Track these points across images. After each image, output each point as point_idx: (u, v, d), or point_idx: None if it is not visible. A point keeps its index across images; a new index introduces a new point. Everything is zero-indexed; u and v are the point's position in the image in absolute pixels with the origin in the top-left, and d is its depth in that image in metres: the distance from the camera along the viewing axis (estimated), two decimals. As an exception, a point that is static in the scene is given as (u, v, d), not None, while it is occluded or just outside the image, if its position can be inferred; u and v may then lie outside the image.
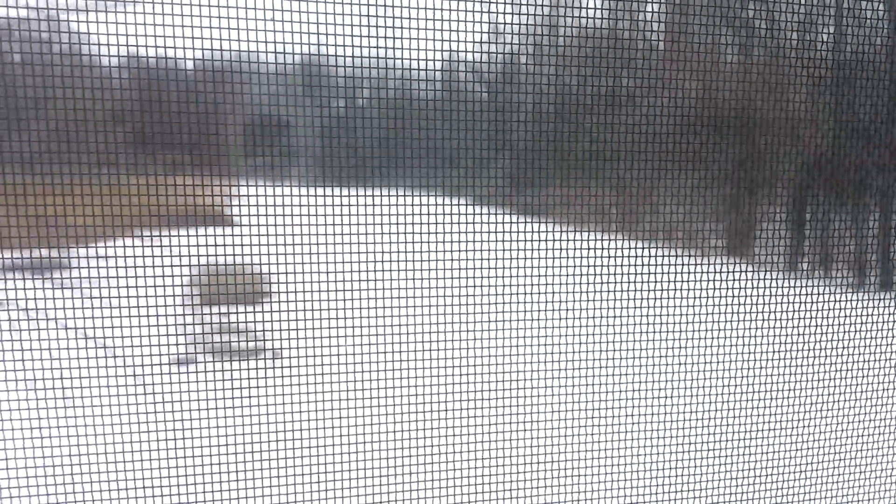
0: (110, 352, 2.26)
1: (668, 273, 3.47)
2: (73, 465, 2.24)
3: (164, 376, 2.45)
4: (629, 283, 3.41)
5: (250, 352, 2.76)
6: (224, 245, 2.50)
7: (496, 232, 2.99)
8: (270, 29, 2.58)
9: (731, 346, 3.59)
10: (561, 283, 3.24)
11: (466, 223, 2.96)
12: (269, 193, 2.68)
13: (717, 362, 3.44)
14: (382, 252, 2.77)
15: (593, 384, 3.26)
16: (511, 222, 3.13)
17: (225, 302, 2.58)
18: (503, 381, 3.15)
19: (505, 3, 2.75)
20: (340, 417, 2.62)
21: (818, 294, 3.51)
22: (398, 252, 2.77)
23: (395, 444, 2.72)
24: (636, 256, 3.41)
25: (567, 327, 3.23)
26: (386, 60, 2.87)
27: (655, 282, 3.48)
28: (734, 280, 3.78)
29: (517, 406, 3.13)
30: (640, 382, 3.49)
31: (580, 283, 3.37)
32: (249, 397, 2.54)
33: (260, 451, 2.49)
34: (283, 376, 2.57)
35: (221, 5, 2.28)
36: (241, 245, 2.54)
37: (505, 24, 2.74)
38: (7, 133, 2.04)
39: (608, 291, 3.24)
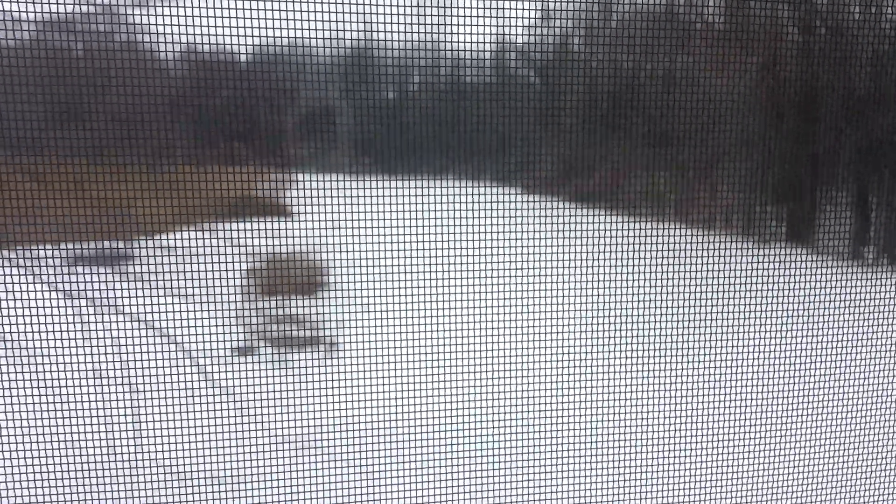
0: (174, 341, 2.29)
1: (726, 261, 3.39)
2: (137, 453, 2.28)
3: (225, 365, 2.48)
4: (685, 271, 3.34)
5: (308, 341, 2.77)
6: (282, 236, 2.52)
7: (550, 221, 2.96)
8: (321, 18, 2.58)
9: (792, 338, 3.49)
10: (616, 272, 3.19)
11: (518, 211, 2.93)
12: (325, 184, 2.69)
13: (777, 356, 3.34)
14: (436, 242, 2.75)
15: (651, 374, 3.20)
16: (564, 210, 3.09)
17: (283, 292, 2.60)
18: (565, 372, 3.11)
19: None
20: (397, 408, 2.61)
21: (883, 284, 3.39)
22: (451, 242, 2.75)
23: (447, 437, 2.70)
24: (692, 244, 3.34)
25: (621, 317, 3.17)
26: (435, 47, 2.86)
27: (711, 270, 3.40)
28: (794, 268, 3.67)
29: (576, 402, 3.09)
30: (696, 374, 3.41)
31: (635, 272, 3.31)
32: (306, 388, 2.55)
33: (316, 441, 2.50)
34: (340, 366, 2.57)
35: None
36: (299, 236, 2.55)
37: (556, 5, 2.71)
38: (72, 124, 2.08)
39: (663, 280, 3.17)
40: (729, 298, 3.34)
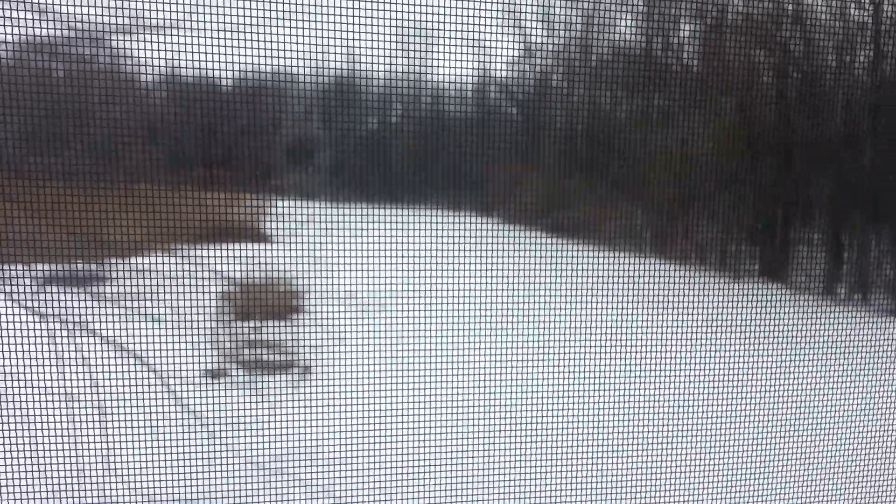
0: (144, 363, 2.29)
1: (700, 295, 3.43)
2: (104, 475, 2.27)
3: (196, 388, 2.48)
4: (660, 304, 3.37)
5: (281, 365, 2.78)
6: (257, 260, 2.53)
7: (527, 250, 2.99)
8: (305, 48, 2.61)
9: (763, 371, 3.53)
10: (592, 303, 3.22)
11: (497, 241, 2.96)
12: (302, 209, 2.71)
13: (749, 388, 3.38)
14: (412, 269, 2.77)
15: (619, 405, 3.22)
16: (542, 240, 3.13)
17: (257, 316, 2.61)
18: (533, 397, 3.13)
19: (538, 23, 2.77)
20: (368, 433, 2.62)
21: (856, 320, 3.44)
22: (428, 269, 2.77)
23: (421, 461, 2.71)
24: (668, 278, 3.38)
25: (598, 346, 3.20)
26: (419, 78, 2.90)
27: (687, 303, 3.44)
28: (769, 304, 3.73)
29: (551, 426, 3.10)
30: (671, 406, 3.44)
31: (611, 303, 3.34)
32: (279, 411, 2.55)
33: (286, 466, 2.50)
34: (312, 391, 2.58)
35: (257, 25, 2.32)
36: (275, 260, 2.57)
37: (538, 42, 2.76)
38: (49, 147, 2.10)
39: (637, 312, 3.21)
40: (703, 331, 3.38)
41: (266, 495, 2.45)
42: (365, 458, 2.55)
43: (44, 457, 2.22)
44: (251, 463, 2.38)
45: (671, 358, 3.29)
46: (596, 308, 3.27)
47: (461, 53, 2.84)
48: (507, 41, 2.87)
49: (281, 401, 2.56)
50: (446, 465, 2.70)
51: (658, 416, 3.37)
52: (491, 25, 2.80)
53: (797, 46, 2.85)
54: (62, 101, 2.10)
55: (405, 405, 2.68)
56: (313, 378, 2.62)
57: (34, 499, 2.14)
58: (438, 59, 2.93)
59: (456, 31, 2.75)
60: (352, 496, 2.54)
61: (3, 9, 1.87)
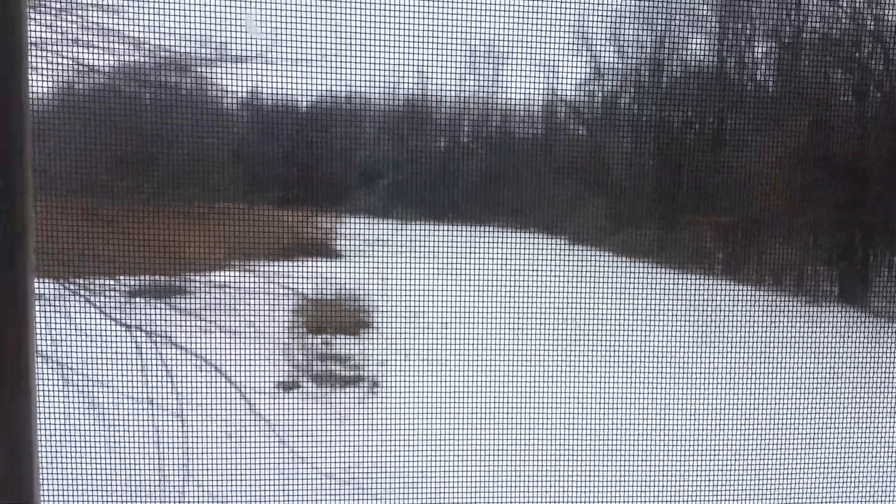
0: (222, 373, 2.40)
1: (776, 318, 3.34)
2: (184, 478, 2.38)
3: (270, 398, 2.57)
4: (733, 327, 3.30)
5: (350, 379, 2.85)
6: (329, 276, 2.61)
7: (593, 270, 2.98)
8: (378, 72, 2.69)
9: (843, 399, 3.40)
10: (661, 326, 3.18)
11: (563, 260, 2.96)
12: (372, 227, 2.78)
13: (827, 415, 3.27)
14: (479, 286, 2.81)
15: (692, 430, 3.16)
16: (609, 261, 3.12)
17: (328, 330, 2.69)
18: (601, 419, 3.10)
19: (608, 44, 2.78)
20: (433, 447, 2.65)
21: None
22: (493, 287, 2.80)
23: (485, 475, 2.73)
24: (741, 301, 3.30)
25: (668, 370, 3.16)
26: (488, 99, 2.94)
27: (761, 328, 3.36)
28: (847, 329, 3.60)
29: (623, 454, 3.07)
30: (747, 432, 3.35)
31: (682, 326, 3.29)
32: (348, 423, 2.62)
33: (353, 474, 2.56)
34: (380, 404, 2.64)
35: (332, 52, 2.41)
36: (345, 276, 2.64)
37: (607, 63, 2.77)
38: (136, 169, 2.23)
39: (709, 335, 3.15)
40: (779, 357, 3.29)
41: (331, 502, 2.51)
42: (429, 471, 2.59)
43: (128, 458, 2.34)
44: (320, 472, 2.44)
45: (745, 384, 3.22)
46: (665, 331, 3.23)
47: (530, 75, 2.87)
48: (577, 62, 2.89)
49: (350, 413, 2.63)
50: (509, 478, 2.71)
51: (734, 442, 3.29)
52: (560, 47, 2.82)
53: (877, 65, 2.77)
54: (150, 125, 2.23)
55: (470, 421, 2.71)
56: (381, 392, 2.68)
57: (117, 499, 2.26)
58: (508, 81, 2.96)
59: (525, 53, 2.79)
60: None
61: (98, 39, 2.01)
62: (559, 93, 2.87)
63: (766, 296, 3.42)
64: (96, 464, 2.13)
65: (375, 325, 2.73)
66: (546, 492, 2.78)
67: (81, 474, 2.12)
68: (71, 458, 2.09)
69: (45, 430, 2.13)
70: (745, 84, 2.81)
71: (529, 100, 2.98)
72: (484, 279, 2.78)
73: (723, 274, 3.29)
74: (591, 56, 2.72)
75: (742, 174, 2.86)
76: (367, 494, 2.52)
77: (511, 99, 3.09)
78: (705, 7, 2.60)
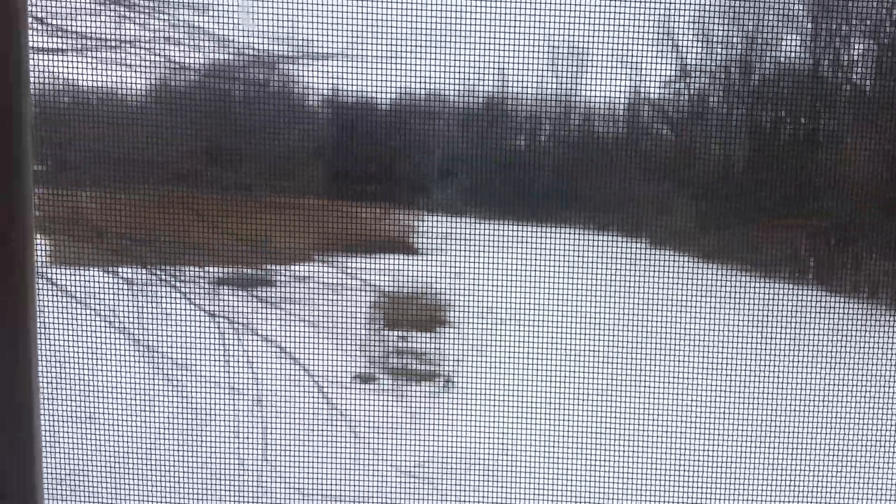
0: (299, 363, 2.47)
1: (872, 334, 3.17)
2: (260, 463, 2.46)
3: (346, 390, 2.62)
4: (824, 340, 3.15)
5: (425, 375, 2.88)
6: (406, 272, 2.65)
7: (675, 274, 2.90)
8: (458, 70, 2.70)
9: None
10: (745, 335, 3.07)
11: (643, 263, 2.90)
12: (452, 225, 2.80)
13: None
14: (555, 287, 2.78)
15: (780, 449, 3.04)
16: (692, 265, 3.03)
17: (405, 326, 2.72)
18: (678, 431, 3.02)
19: (695, 42, 2.71)
20: (505, 446, 2.65)
21: None
22: (570, 287, 2.77)
23: (560, 477, 2.70)
24: (833, 312, 3.15)
25: (753, 385, 3.04)
26: (569, 98, 2.91)
27: (856, 343, 3.19)
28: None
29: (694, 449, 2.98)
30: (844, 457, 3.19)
31: (771, 337, 3.17)
32: (421, 418, 2.64)
33: (425, 469, 2.58)
34: (454, 401, 2.65)
35: (412, 50, 2.44)
36: (423, 272, 2.67)
37: (694, 61, 2.69)
38: (224, 162, 2.32)
39: (799, 349, 3.01)
40: (877, 375, 3.12)
41: (403, 497, 2.54)
42: (500, 470, 2.59)
43: (206, 441, 2.43)
44: (392, 465, 2.48)
45: (838, 402, 3.06)
46: (752, 341, 3.11)
47: (613, 73, 2.82)
48: (663, 61, 2.82)
49: (423, 408, 2.65)
50: (584, 481, 2.67)
51: (830, 464, 3.14)
52: (645, 45, 2.76)
53: None
54: (238, 120, 2.32)
55: (544, 421, 2.69)
56: (455, 389, 2.70)
57: (193, 478, 2.35)
58: (590, 80, 2.92)
59: (609, 51, 2.74)
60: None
61: (188, 38, 2.10)
62: (643, 92, 2.81)
63: (861, 308, 3.25)
64: (178, 443, 2.23)
65: (452, 322, 2.74)
66: (622, 494, 2.72)
67: (166, 451, 2.22)
68: (155, 435, 2.19)
69: (129, 407, 2.25)
70: (841, 84, 2.68)
71: (612, 99, 2.93)
72: (561, 279, 2.76)
73: (814, 282, 3.14)
74: (677, 54, 2.65)
75: (837, 177, 2.73)
76: (438, 489, 2.53)
77: (593, 98, 3.05)
78: (798, 5, 2.49)
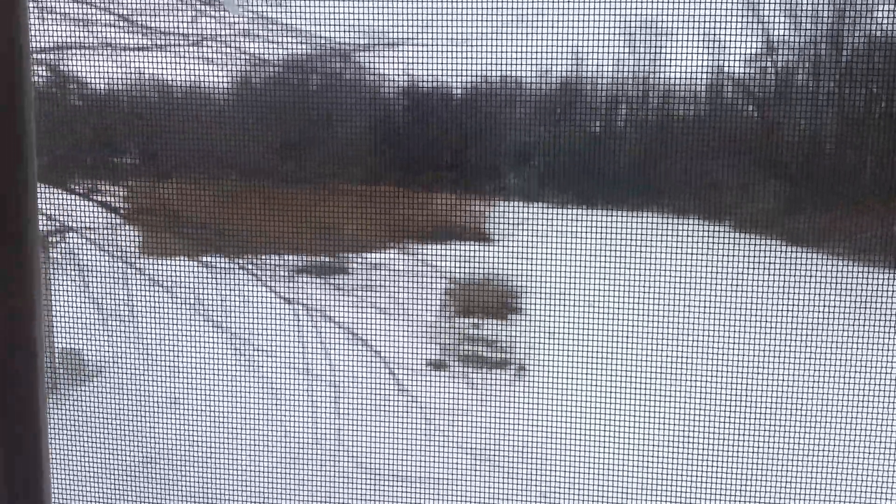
0: (373, 350, 2.51)
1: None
2: (334, 445, 2.51)
3: (418, 376, 2.65)
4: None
5: (498, 363, 2.88)
6: (479, 259, 2.64)
7: (761, 260, 2.79)
8: (532, 52, 2.66)
9: None
10: (834, 324, 2.92)
11: (727, 249, 2.80)
12: (525, 212, 2.77)
13: None
14: (632, 273, 2.72)
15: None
16: (779, 250, 2.90)
17: (478, 314, 2.72)
18: (757, 423, 2.91)
19: (781, 16, 2.57)
20: (577, 434, 2.62)
21: None
22: (649, 274, 2.70)
23: (628, 473, 2.65)
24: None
25: (844, 377, 2.90)
26: (647, 78, 2.82)
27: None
28: None
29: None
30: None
31: (860, 326, 3.01)
32: (494, 405, 2.64)
33: (496, 455, 2.58)
34: (526, 389, 2.64)
35: (485, 34, 2.42)
36: (495, 260, 2.66)
37: (780, 37, 2.56)
38: (301, 152, 2.36)
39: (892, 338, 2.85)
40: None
41: (474, 482, 2.55)
42: (570, 458, 2.56)
43: (282, 421, 2.51)
44: (464, 450, 2.49)
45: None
46: (848, 333, 2.96)
47: (694, 51, 2.72)
48: (746, 36, 2.70)
49: (495, 396, 2.65)
50: (659, 467, 2.62)
51: None
52: (728, 21, 2.66)
53: None
54: (314, 111, 2.36)
55: (616, 411, 2.65)
56: (527, 377, 2.68)
57: (270, 457, 2.43)
58: (669, 58, 2.83)
59: (689, 28, 2.65)
60: (556, 493, 2.56)
61: (264, 32, 2.15)
62: (726, 70, 2.70)
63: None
64: (257, 425, 2.31)
65: (524, 310, 2.72)
66: (694, 489, 2.66)
67: (244, 431, 2.30)
68: (235, 415, 2.28)
69: (213, 389, 2.34)
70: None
71: (692, 78, 2.83)
72: (637, 267, 2.70)
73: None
74: (762, 29, 2.53)
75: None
76: (509, 476, 2.53)
77: (672, 77, 2.95)
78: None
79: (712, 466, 2.73)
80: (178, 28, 2.40)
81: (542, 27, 2.61)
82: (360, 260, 2.70)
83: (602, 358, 2.61)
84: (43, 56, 2.24)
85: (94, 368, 2.58)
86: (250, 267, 2.50)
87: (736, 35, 2.67)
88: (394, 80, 2.48)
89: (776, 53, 2.67)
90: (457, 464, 2.45)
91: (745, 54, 2.79)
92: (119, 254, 2.45)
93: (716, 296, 2.87)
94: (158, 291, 2.45)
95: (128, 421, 2.50)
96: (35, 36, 2.04)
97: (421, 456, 2.43)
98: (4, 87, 0.45)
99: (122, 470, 2.46)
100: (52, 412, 2.73)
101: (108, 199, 2.48)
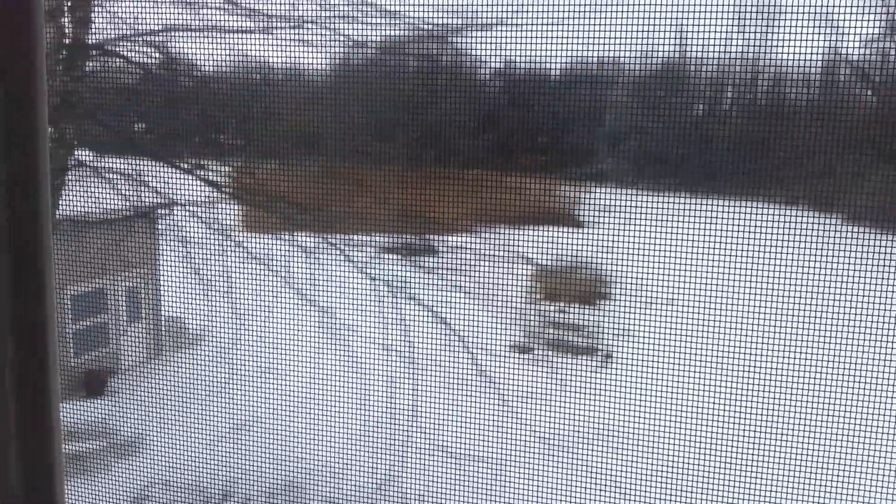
0: (454, 330, 2.52)
1: None
2: (410, 422, 2.56)
3: (502, 360, 2.65)
4: None
5: (584, 349, 2.84)
6: (569, 245, 2.60)
7: (875, 254, 2.61)
8: (634, 34, 2.58)
9: None
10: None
11: (836, 242, 2.63)
12: (618, 198, 2.71)
13: None
14: (732, 264, 2.60)
15: None
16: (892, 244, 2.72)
17: (565, 299, 2.69)
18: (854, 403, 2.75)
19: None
20: (663, 428, 2.55)
21: None
22: (750, 265, 2.59)
23: (712, 465, 2.56)
24: None
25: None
26: (756, 61, 2.68)
27: None
28: None
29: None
30: None
31: None
32: (577, 392, 2.61)
33: (574, 444, 2.55)
34: (612, 378, 2.59)
35: (583, 15, 2.36)
36: (586, 246, 2.61)
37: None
38: (390, 134, 2.39)
39: None
40: None
41: (548, 469, 2.54)
42: (650, 450, 2.51)
43: (358, 393, 2.57)
44: (540, 437, 2.48)
45: None
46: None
47: (808, 32, 2.57)
48: (865, 16, 2.52)
49: (580, 383, 2.61)
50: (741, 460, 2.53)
51: None
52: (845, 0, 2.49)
53: None
54: (406, 95, 2.38)
55: (702, 403, 2.56)
56: (614, 365, 2.63)
57: (341, 427, 2.50)
58: (780, 39, 2.69)
59: (803, 7, 2.50)
60: (635, 484, 2.51)
61: (358, 15, 2.18)
62: (842, 52, 2.53)
63: None
64: (336, 394, 2.38)
65: (613, 297, 2.67)
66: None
67: (322, 398, 2.38)
68: (316, 384, 2.36)
69: (299, 361, 2.42)
70: None
71: (805, 61, 2.67)
72: (737, 257, 2.59)
73: None
74: (884, 8, 2.35)
75: None
76: (585, 465, 2.50)
77: (784, 60, 2.80)
78: None
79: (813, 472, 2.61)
80: (278, 10, 2.47)
81: (645, 4, 2.52)
82: (448, 242, 2.72)
83: (690, 350, 2.53)
84: (151, 38, 2.36)
85: (194, 335, 2.73)
86: (340, 245, 2.57)
87: (853, 14, 2.50)
88: (491, 63, 2.46)
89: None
90: (530, 447, 2.45)
91: (863, 35, 2.60)
92: (218, 228, 2.57)
93: (820, 290, 2.72)
94: (255, 265, 2.56)
95: (223, 387, 2.63)
96: (140, 19, 2.16)
97: (494, 438, 2.44)
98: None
99: (217, 433, 2.61)
100: (155, 374, 2.91)
101: (211, 175, 2.60)
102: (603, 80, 2.61)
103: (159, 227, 2.71)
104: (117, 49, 2.45)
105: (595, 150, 2.77)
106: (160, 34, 2.34)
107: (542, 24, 2.40)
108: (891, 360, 2.59)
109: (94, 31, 2.39)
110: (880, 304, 2.53)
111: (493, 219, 2.67)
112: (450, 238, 2.65)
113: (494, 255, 2.60)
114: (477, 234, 2.67)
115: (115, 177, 2.49)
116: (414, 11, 2.40)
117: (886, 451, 2.53)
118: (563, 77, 2.62)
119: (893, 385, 2.62)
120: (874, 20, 2.42)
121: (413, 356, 2.53)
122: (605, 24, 2.52)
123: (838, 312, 2.57)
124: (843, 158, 2.69)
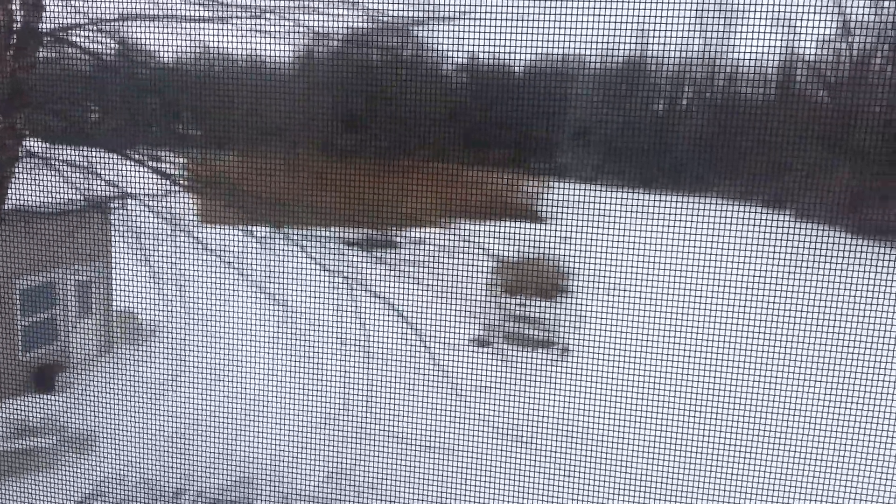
0: (409, 323, 2.52)
1: None
2: (364, 412, 2.56)
3: (460, 353, 2.66)
4: None
5: (542, 343, 2.86)
6: (528, 239, 2.62)
7: (821, 251, 2.68)
8: (595, 31, 2.58)
9: None
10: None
11: (786, 238, 2.70)
12: (579, 193, 2.72)
13: None
14: (685, 260, 2.65)
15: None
16: (843, 242, 2.78)
17: (524, 293, 2.70)
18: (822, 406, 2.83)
19: (861, -3, 2.43)
20: (618, 419, 2.60)
21: None
22: (700, 261, 2.63)
23: (673, 452, 2.62)
24: None
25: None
26: (714, 60, 2.72)
27: None
28: None
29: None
30: None
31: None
32: (533, 385, 2.63)
33: (530, 434, 2.58)
34: (569, 371, 2.62)
35: (547, 11, 2.35)
36: (545, 241, 2.63)
37: (858, 18, 2.41)
38: (355, 126, 2.36)
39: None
40: None
41: (501, 459, 2.56)
42: (609, 441, 2.55)
43: (313, 386, 2.55)
44: (496, 429, 2.50)
45: None
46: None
47: (765, 32, 2.60)
48: (820, 17, 2.56)
49: (536, 376, 2.64)
50: (701, 456, 2.58)
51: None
52: (802, 0, 2.53)
53: None
54: (371, 85, 2.34)
55: (659, 396, 2.61)
56: (571, 358, 2.66)
57: (298, 415, 2.48)
58: (738, 39, 2.73)
59: (761, 7, 2.53)
60: (588, 473, 2.55)
61: (327, 6, 2.14)
62: (798, 52, 2.57)
63: None
64: (289, 383, 2.36)
65: (572, 291, 2.69)
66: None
67: (279, 387, 2.35)
68: (271, 372, 2.33)
69: (255, 352, 2.40)
70: None
71: (762, 60, 2.72)
72: (690, 252, 2.63)
73: None
74: (838, 10, 2.39)
75: None
76: (541, 457, 2.54)
77: (741, 59, 2.84)
78: None
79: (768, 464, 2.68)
80: (238, 0, 2.42)
81: (608, 3, 2.52)
82: (408, 236, 2.70)
83: (647, 343, 2.58)
84: (105, 26, 2.29)
85: (147, 329, 2.67)
86: (297, 238, 2.54)
87: (809, 15, 2.54)
88: (452, 56, 2.44)
89: (852, 35, 2.53)
90: (486, 440, 2.46)
91: (819, 36, 2.65)
92: (173, 220, 2.52)
93: (770, 284, 2.78)
94: (209, 257, 2.51)
95: (177, 379, 2.59)
96: (94, 5, 2.09)
97: (448, 429, 2.45)
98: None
99: (168, 428, 2.57)
100: (106, 369, 2.85)
101: (164, 166, 2.54)
102: (565, 75, 2.61)
103: (112, 219, 2.64)
104: (70, 37, 2.37)
105: (556, 145, 2.79)
106: (115, 22, 2.27)
107: (505, 19, 2.38)
108: (837, 340, 2.67)
109: (46, 17, 2.30)
110: (818, 292, 2.60)
111: (453, 213, 2.67)
112: (411, 232, 2.65)
113: (455, 249, 2.60)
114: (438, 228, 2.67)
115: (66, 168, 2.42)
116: (376, 3, 2.36)
117: (832, 440, 2.61)
118: (525, 72, 2.62)
119: (842, 366, 2.70)
120: (829, 21, 2.47)
121: (370, 350, 2.52)
122: (567, 19, 2.51)
123: (787, 299, 2.64)
124: (797, 156, 2.74)
